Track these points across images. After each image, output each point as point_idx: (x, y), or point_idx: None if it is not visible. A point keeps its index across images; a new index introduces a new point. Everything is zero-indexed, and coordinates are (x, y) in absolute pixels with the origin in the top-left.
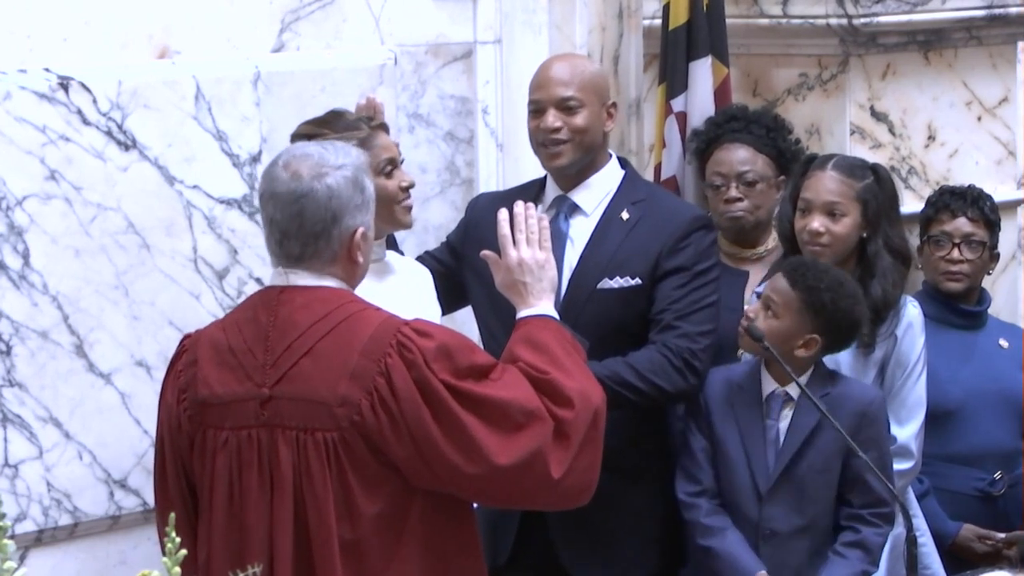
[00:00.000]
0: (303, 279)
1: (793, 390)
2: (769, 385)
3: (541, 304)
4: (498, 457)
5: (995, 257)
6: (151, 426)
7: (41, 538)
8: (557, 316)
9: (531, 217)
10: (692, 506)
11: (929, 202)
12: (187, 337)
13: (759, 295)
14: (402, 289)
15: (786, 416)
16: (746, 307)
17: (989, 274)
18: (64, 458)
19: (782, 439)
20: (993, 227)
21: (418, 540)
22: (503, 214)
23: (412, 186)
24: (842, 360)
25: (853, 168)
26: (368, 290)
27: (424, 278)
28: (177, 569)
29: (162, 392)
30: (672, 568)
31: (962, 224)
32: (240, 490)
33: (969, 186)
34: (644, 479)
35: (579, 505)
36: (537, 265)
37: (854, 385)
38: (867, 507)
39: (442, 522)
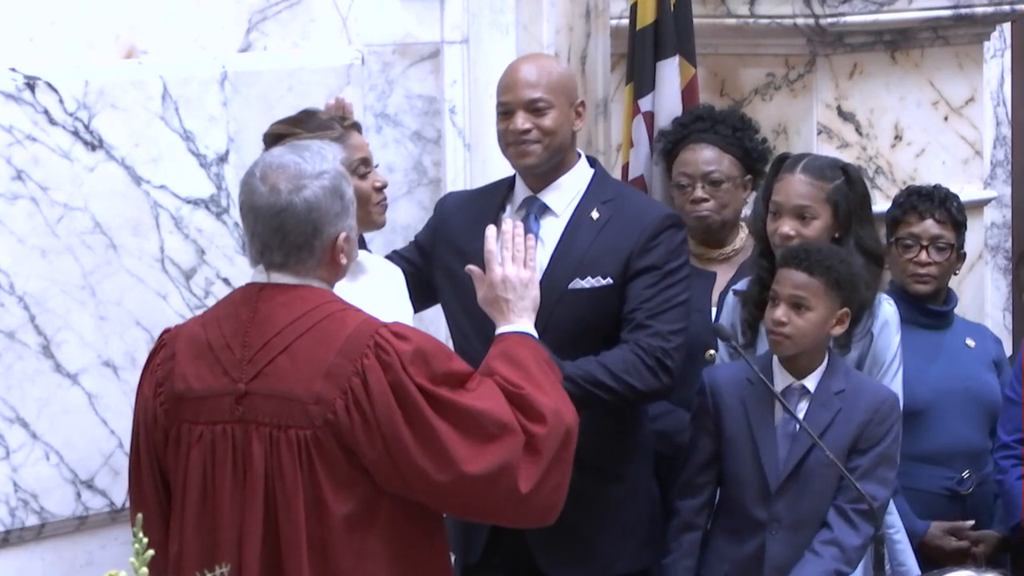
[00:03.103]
0: (285, 278)
1: (810, 383)
2: (784, 379)
3: (521, 322)
4: (468, 465)
5: (962, 257)
6: (118, 426)
7: (8, 539)
8: (536, 335)
9: (519, 236)
10: (682, 523)
11: (896, 203)
12: (166, 332)
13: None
14: (375, 288)
15: (802, 409)
16: (777, 315)
17: (956, 274)
18: (31, 459)
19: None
20: (960, 228)
21: (386, 542)
22: (491, 231)
23: (385, 186)
24: None
25: (823, 169)
26: (342, 289)
27: (397, 277)
28: (144, 570)
29: (139, 386)
30: (649, 560)
31: (930, 226)
32: (213, 485)
33: (936, 186)
34: (617, 477)
35: (543, 525)
36: (521, 283)
37: (870, 382)
38: (852, 502)
39: (410, 525)
